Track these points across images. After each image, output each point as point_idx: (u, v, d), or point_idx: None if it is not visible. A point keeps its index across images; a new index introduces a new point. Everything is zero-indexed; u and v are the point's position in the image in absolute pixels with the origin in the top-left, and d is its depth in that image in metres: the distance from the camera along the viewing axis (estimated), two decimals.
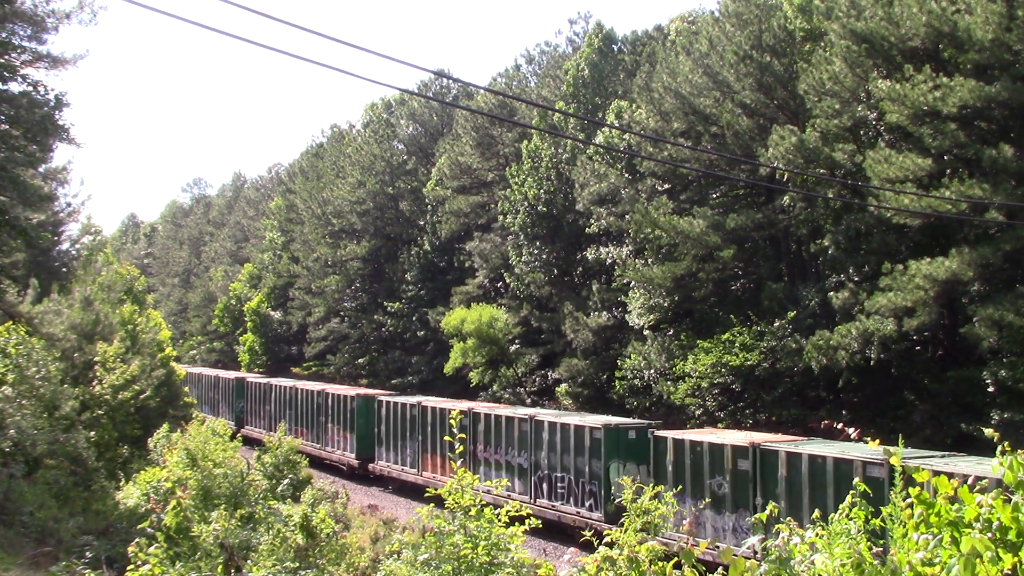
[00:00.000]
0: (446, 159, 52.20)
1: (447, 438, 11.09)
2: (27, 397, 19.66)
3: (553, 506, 24.86)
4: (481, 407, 30.02)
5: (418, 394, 40.90)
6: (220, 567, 12.00)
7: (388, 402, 33.11)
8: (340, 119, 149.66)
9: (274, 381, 44.46)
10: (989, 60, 25.09)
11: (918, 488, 4.33)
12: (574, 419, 25.62)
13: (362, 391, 37.74)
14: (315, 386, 40.77)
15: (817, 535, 4.95)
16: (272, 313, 69.76)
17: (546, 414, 27.42)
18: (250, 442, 40.38)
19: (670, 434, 22.25)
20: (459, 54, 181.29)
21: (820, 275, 33.11)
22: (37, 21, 21.17)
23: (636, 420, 27.86)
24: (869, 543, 4.74)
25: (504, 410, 28.74)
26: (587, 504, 23.91)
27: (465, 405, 30.45)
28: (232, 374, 51.54)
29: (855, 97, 28.46)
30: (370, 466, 33.83)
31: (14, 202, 21.52)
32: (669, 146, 34.08)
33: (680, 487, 18.88)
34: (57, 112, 21.51)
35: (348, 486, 30.27)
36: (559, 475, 24.86)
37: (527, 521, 9.48)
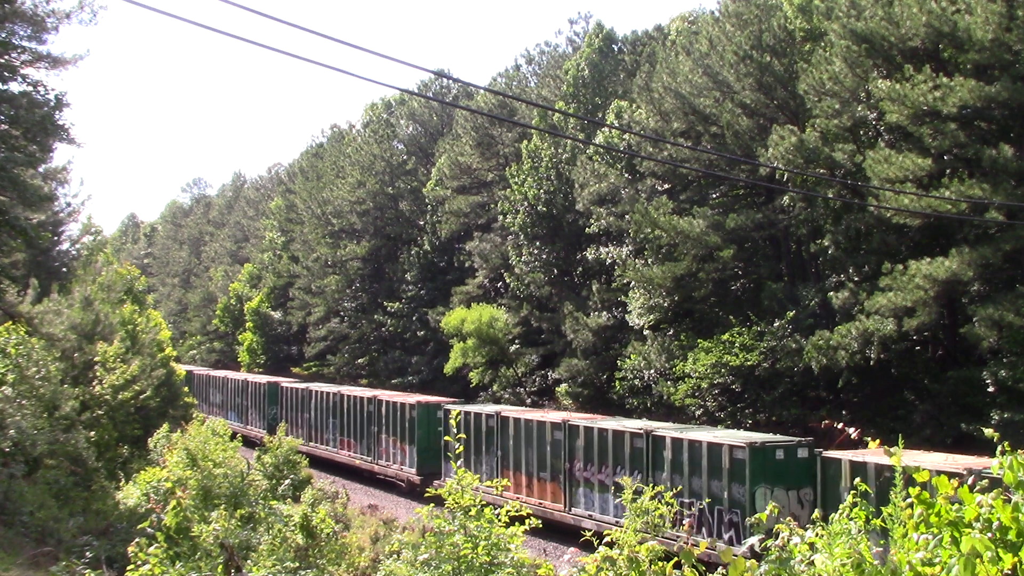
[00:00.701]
0: (446, 159, 52.21)
1: (447, 438, 11.04)
2: (27, 397, 19.66)
3: (678, 538, 20.27)
4: (579, 419, 25.75)
5: (478, 402, 38.17)
6: (220, 567, 12.00)
7: (458, 411, 28.49)
8: (340, 119, 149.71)
9: (314, 386, 40.59)
10: (989, 60, 25.09)
11: (918, 488, 4.33)
12: (705, 435, 21.84)
13: (422, 398, 33.76)
14: (364, 392, 37.20)
15: (817, 535, 4.95)
16: (272, 313, 69.77)
17: (665, 428, 23.57)
18: None
19: (845, 455, 18.81)
20: (459, 54, 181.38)
21: (820, 275, 33.12)
22: (37, 21, 21.16)
23: (780, 436, 23.15)
24: (869, 543, 4.74)
25: (610, 423, 25.04)
26: (726, 537, 20.32)
27: (558, 416, 26.68)
28: (263, 378, 47.09)
29: (855, 97, 28.46)
30: (435, 483, 27.77)
31: (14, 202, 21.51)
32: (669, 146, 34.09)
33: None
34: (57, 112, 21.51)
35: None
36: (686, 501, 20.97)
37: (527, 521, 9.48)
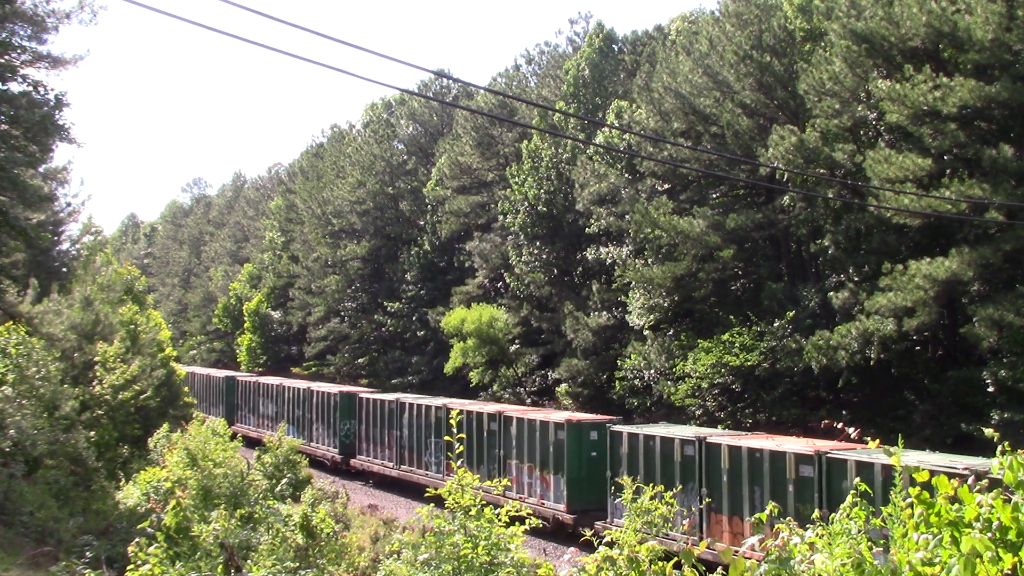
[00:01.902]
0: (446, 159, 52.21)
1: (447, 438, 10.95)
2: (27, 397, 19.66)
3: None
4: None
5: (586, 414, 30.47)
6: (220, 567, 12.00)
7: (627, 434, 22.73)
8: (340, 119, 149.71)
9: (406, 398, 33.48)
10: (989, 60, 25.09)
11: (918, 488, 4.33)
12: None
13: (571, 416, 26.44)
14: (483, 407, 30.05)
15: (817, 535, 4.95)
16: (272, 313, 69.78)
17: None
18: (364, 476, 34.24)
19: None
20: (459, 54, 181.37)
21: (820, 275, 33.12)
22: (37, 21, 21.17)
23: None
24: (870, 543, 4.74)
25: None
26: None
27: (808, 446, 19.08)
28: (333, 388, 39.65)
29: (855, 97, 28.46)
30: (597, 525, 21.48)
31: (14, 202, 21.51)
32: (669, 146, 34.09)
33: None
34: (57, 112, 21.51)
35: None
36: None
37: (527, 521, 9.48)
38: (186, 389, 33.80)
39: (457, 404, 29.91)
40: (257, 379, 46.45)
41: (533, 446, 25.83)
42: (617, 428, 23.36)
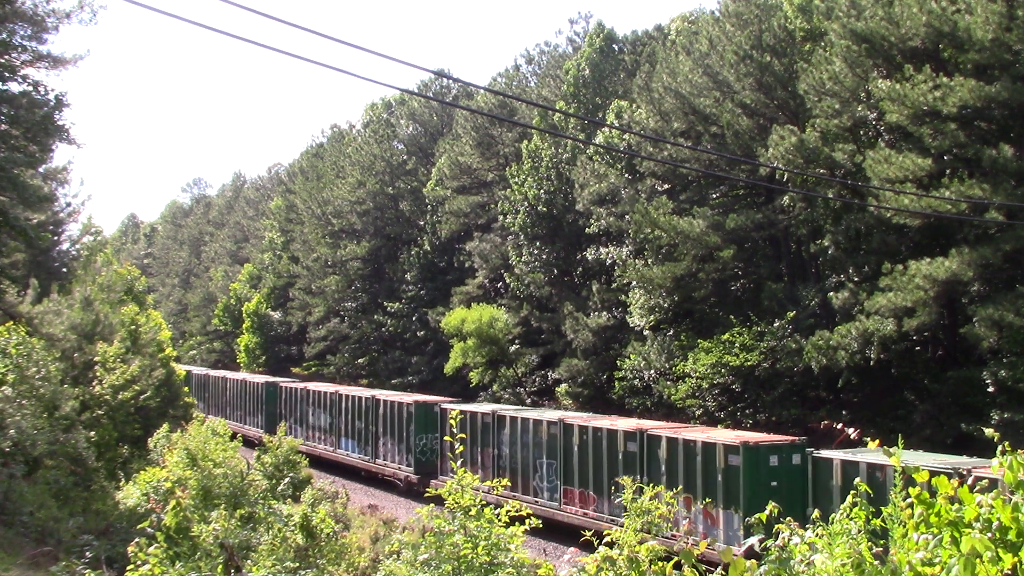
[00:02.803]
0: (446, 159, 52.22)
1: (447, 438, 10.90)
2: (27, 397, 19.64)
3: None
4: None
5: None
6: (220, 567, 12.00)
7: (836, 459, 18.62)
8: (340, 119, 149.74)
9: (506, 411, 28.32)
10: (989, 60, 25.09)
11: (918, 488, 4.33)
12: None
13: (747, 436, 21.63)
14: (618, 423, 24.54)
15: (817, 535, 4.95)
16: (272, 313, 69.79)
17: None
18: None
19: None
20: (459, 54, 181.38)
21: (820, 275, 33.13)
22: (37, 21, 21.17)
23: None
24: (869, 543, 4.74)
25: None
26: None
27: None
28: (410, 397, 34.23)
29: (855, 97, 28.46)
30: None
31: (14, 202, 21.51)
32: (669, 146, 34.09)
33: None
34: (57, 112, 21.52)
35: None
36: None
37: (527, 521, 9.48)
38: (186, 388, 33.71)
39: (575, 418, 25.62)
40: (305, 385, 41.31)
41: (693, 472, 20.91)
42: (824, 454, 19.15)
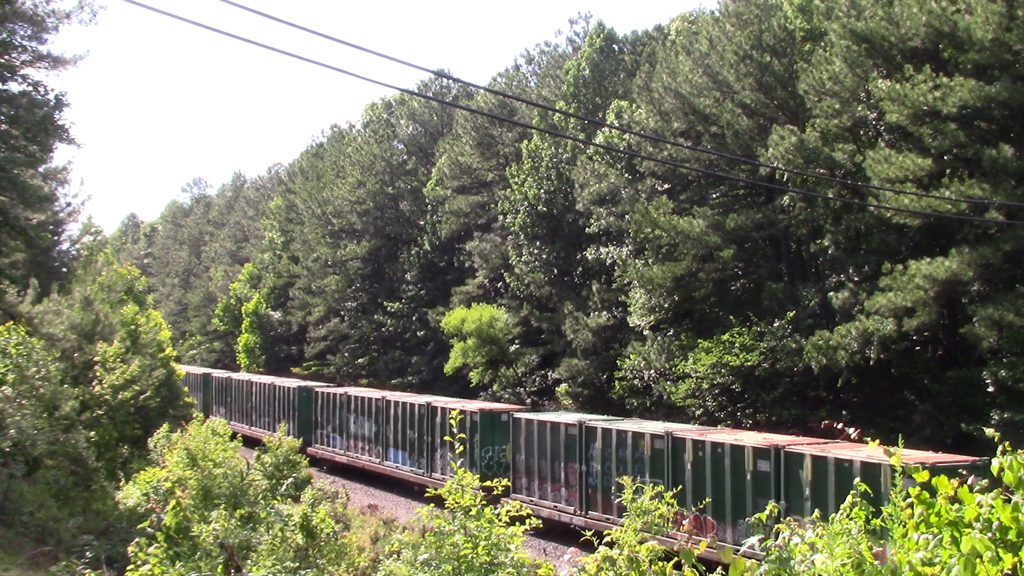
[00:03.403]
0: (446, 159, 52.23)
1: (447, 438, 10.89)
2: (27, 397, 19.64)
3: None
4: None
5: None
6: (220, 567, 12.00)
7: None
8: (340, 119, 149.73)
9: (595, 422, 24.68)
10: (989, 60, 25.10)
11: (918, 488, 4.34)
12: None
13: (921, 455, 18.25)
14: (744, 437, 21.06)
15: (817, 535, 4.95)
16: (272, 313, 69.80)
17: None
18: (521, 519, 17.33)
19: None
20: (459, 54, 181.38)
21: (820, 275, 33.13)
22: (37, 21, 21.18)
23: None
24: (870, 543, 4.74)
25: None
26: None
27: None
28: (474, 404, 31.49)
29: (855, 97, 28.46)
30: None
31: (14, 202, 21.52)
32: (669, 146, 34.09)
33: None
34: (57, 112, 21.53)
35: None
36: None
37: (527, 521, 9.48)
38: (184, 391, 33.57)
39: (686, 431, 22.22)
40: (345, 391, 37.65)
41: (824, 493, 17.85)
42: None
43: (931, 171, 25.68)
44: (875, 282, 27.56)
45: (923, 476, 4.46)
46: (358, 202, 58.91)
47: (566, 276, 43.55)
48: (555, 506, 25.00)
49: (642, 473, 21.63)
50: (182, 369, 37.41)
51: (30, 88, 21.58)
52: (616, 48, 46.92)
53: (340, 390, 38.00)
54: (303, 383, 42.53)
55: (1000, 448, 4.17)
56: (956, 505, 4.09)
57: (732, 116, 32.21)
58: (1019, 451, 4.09)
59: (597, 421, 25.06)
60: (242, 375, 51.25)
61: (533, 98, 47.82)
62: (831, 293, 30.25)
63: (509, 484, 24.70)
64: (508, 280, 45.37)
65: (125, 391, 25.15)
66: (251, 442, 34.52)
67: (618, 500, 18.29)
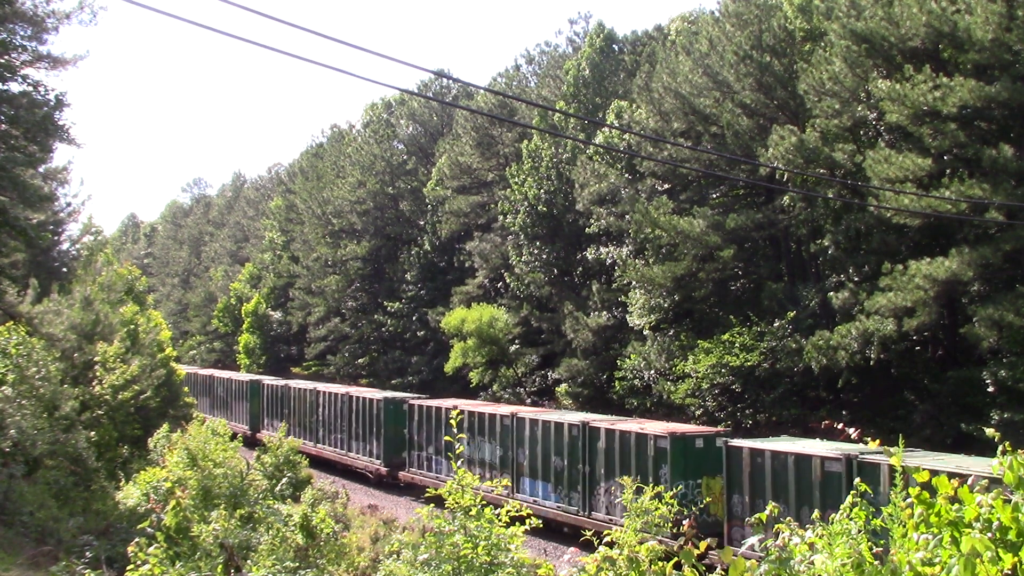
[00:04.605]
0: (446, 159, 52.24)
1: (447, 438, 10.89)
2: (27, 397, 19.65)
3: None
4: None
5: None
6: (220, 567, 12.00)
7: None
8: (340, 119, 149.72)
9: (779, 447, 19.32)
10: (989, 60, 25.09)
11: (918, 488, 4.33)
12: None
13: None
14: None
15: (818, 535, 4.95)
16: (272, 313, 69.81)
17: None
18: None
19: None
20: (459, 54, 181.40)
21: (820, 275, 33.12)
22: (37, 21, 21.18)
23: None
24: (870, 543, 4.74)
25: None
26: None
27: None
28: (574, 417, 25.80)
29: (855, 97, 28.46)
30: None
31: (14, 202, 21.52)
32: (669, 146, 34.09)
33: None
34: (57, 112, 21.54)
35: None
36: None
37: (527, 521, 9.48)
38: (184, 391, 33.46)
39: (823, 449, 18.37)
40: (455, 404, 29.44)
41: None
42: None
43: (931, 171, 25.68)
44: (875, 282, 27.55)
45: (923, 476, 4.46)
46: (358, 202, 58.93)
47: (566, 276, 43.55)
48: None
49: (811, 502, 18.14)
50: (182, 370, 36.94)
51: (30, 88, 21.61)
52: (616, 48, 46.93)
53: (447, 403, 30.60)
54: (389, 393, 35.96)
55: (1000, 448, 4.17)
56: (956, 505, 4.08)
57: (732, 116, 32.21)
58: (1019, 451, 4.09)
59: (781, 447, 19.58)
60: (303, 383, 42.32)
61: (533, 98, 47.82)
62: (831, 293, 30.25)
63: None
64: (508, 280, 45.37)
65: (125, 391, 25.15)
66: (319, 464, 32.94)
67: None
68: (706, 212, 33.42)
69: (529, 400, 43.36)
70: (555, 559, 19.95)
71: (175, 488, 15.29)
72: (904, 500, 4.52)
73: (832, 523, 5.04)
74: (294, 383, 41.85)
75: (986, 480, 4.28)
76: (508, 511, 9.35)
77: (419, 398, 33.53)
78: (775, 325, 30.74)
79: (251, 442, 37.50)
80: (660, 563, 5.82)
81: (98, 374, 25.37)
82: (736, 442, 20.34)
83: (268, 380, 44.46)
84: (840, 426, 6.89)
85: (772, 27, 32.52)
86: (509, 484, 24.62)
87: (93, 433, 23.40)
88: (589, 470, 23.78)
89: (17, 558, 14.26)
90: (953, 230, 26.90)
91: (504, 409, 28.44)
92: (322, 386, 39.49)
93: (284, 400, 40.17)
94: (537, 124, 42.77)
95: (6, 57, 21.22)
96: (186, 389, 34.05)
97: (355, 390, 37.76)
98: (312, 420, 37.42)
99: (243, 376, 48.54)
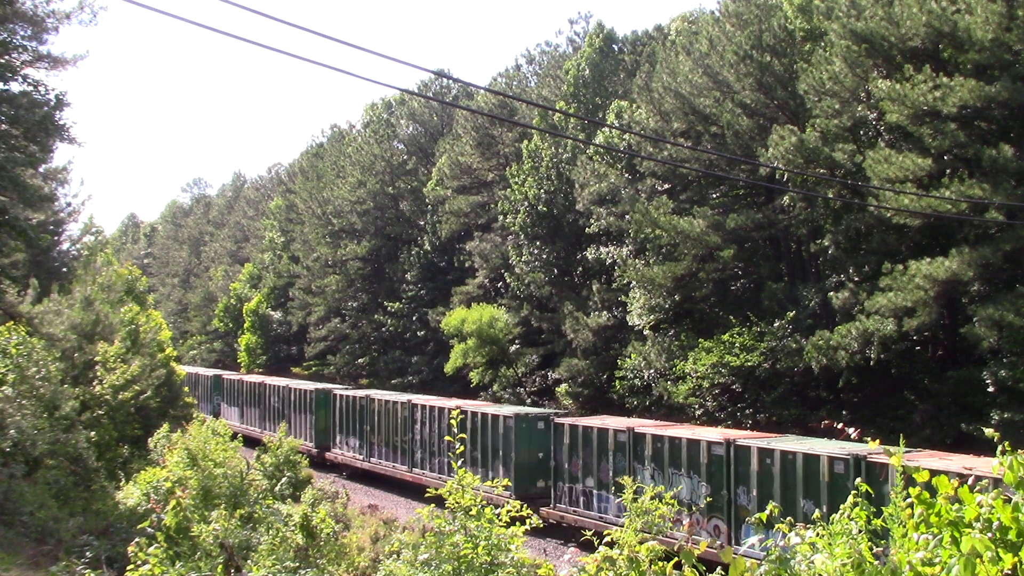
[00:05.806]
0: (446, 159, 52.23)
1: (448, 438, 10.92)
2: (27, 397, 19.64)
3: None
4: None
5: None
6: (220, 567, 12.00)
7: None
8: (340, 119, 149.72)
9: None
10: (989, 60, 25.09)
11: (918, 488, 4.33)
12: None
13: None
14: None
15: (818, 535, 4.95)
16: (272, 313, 69.82)
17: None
18: None
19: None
20: (459, 54, 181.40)
21: (820, 275, 33.12)
22: (37, 21, 21.19)
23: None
24: (870, 543, 4.74)
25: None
26: None
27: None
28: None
29: (855, 97, 28.46)
30: None
31: (14, 202, 21.53)
32: (669, 146, 34.09)
33: None
34: (57, 112, 21.55)
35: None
36: None
37: (527, 521, 9.47)
38: (184, 391, 33.42)
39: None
40: (600, 423, 23.98)
41: None
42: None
43: (931, 171, 25.68)
44: (875, 282, 27.55)
45: (923, 476, 4.46)
46: (358, 202, 58.93)
47: (566, 276, 43.55)
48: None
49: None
50: (182, 370, 36.69)
51: (30, 88, 21.62)
52: (616, 48, 46.94)
53: (613, 421, 24.69)
54: (521, 409, 29.05)
55: (1000, 448, 4.17)
56: (956, 505, 4.09)
57: (732, 116, 32.21)
58: (1019, 451, 4.09)
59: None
60: (391, 394, 35.22)
61: (533, 98, 47.82)
62: (831, 293, 30.25)
63: None
64: (508, 280, 45.37)
65: (125, 391, 25.14)
66: (414, 492, 27.44)
67: None
68: (706, 212, 33.42)
69: (529, 400, 43.37)
70: (555, 559, 19.95)
71: (175, 488, 15.29)
72: (904, 500, 4.52)
73: (832, 523, 5.05)
74: (377, 394, 35.25)
75: (987, 480, 4.28)
76: (508, 511, 9.35)
77: (565, 414, 28.10)
78: (775, 325, 30.74)
79: (318, 463, 33.40)
80: (660, 563, 5.82)
81: (98, 374, 25.37)
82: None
83: (340, 390, 37.30)
84: (840, 426, 6.88)
85: (772, 27, 32.52)
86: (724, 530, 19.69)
87: (93, 433, 23.40)
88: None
89: (17, 558, 14.25)
90: (953, 230, 26.90)
91: (710, 434, 21.45)
92: (419, 398, 32.59)
93: (364, 414, 33.81)
94: (537, 124, 42.78)
95: (6, 57, 21.23)
96: (186, 392, 33.98)
97: (471, 404, 30.50)
98: (406, 440, 31.20)
99: (307, 384, 41.18)
